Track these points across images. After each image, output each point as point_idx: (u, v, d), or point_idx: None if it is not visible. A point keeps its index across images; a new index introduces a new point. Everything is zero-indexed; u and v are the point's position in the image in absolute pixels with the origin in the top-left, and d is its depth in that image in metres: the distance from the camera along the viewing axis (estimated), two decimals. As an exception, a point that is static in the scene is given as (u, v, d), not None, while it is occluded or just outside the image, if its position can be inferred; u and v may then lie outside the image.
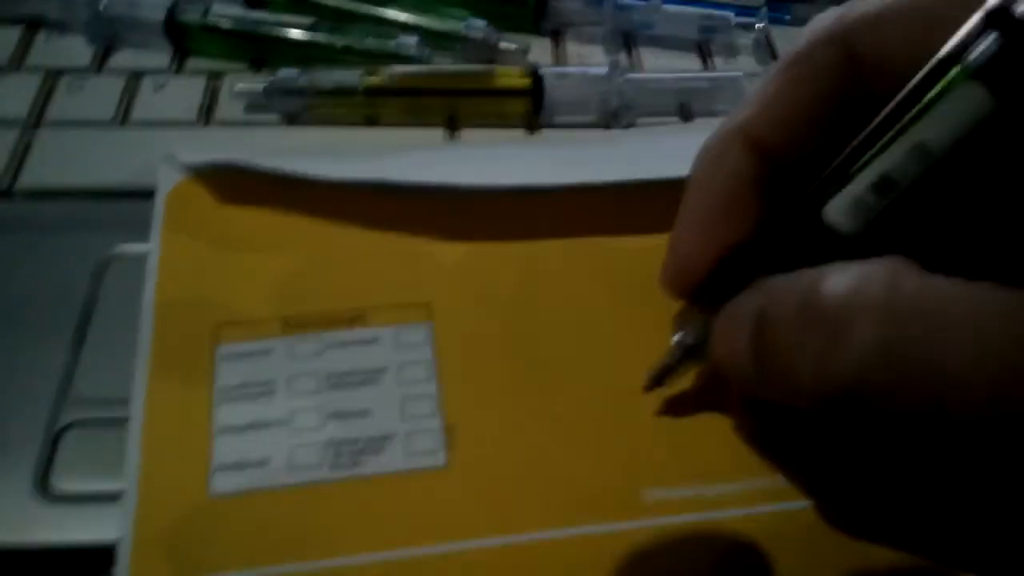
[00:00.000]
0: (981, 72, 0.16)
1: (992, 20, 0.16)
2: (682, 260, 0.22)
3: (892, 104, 0.18)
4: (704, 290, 0.22)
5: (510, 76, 0.34)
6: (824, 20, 0.19)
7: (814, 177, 0.19)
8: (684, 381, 0.25)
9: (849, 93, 0.19)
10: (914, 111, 0.17)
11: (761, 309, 0.19)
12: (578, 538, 0.23)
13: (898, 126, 0.17)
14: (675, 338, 0.24)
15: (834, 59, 0.19)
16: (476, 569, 0.23)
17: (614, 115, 0.34)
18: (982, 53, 0.16)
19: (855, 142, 0.18)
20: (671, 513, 0.24)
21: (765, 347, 0.18)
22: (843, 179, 0.18)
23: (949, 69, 0.16)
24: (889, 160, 0.17)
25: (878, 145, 0.18)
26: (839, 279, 0.17)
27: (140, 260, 0.28)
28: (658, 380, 0.24)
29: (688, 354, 0.23)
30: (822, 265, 0.18)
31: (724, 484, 0.24)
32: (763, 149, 0.20)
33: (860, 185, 0.18)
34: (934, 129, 0.17)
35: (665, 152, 0.31)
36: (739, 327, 0.19)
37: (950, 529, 0.21)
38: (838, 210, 0.18)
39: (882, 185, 0.18)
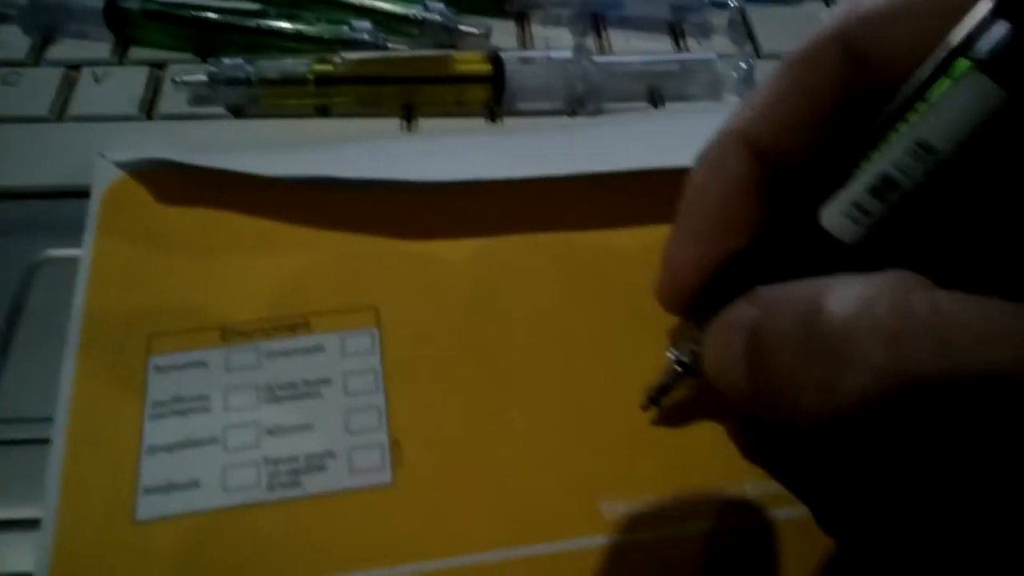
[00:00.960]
0: (989, 64, 0.15)
1: (1002, 9, 0.15)
2: (677, 273, 0.21)
3: (894, 101, 0.16)
4: (701, 303, 0.21)
5: (469, 61, 0.32)
6: (828, 18, 0.18)
7: (815, 181, 0.18)
8: (680, 397, 0.23)
9: (854, 94, 0.18)
10: (916, 107, 0.16)
11: (755, 323, 0.18)
12: (534, 558, 0.22)
13: (899, 123, 0.16)
14: (670, 355, 0.22)
15: (838, 58, 0.18)
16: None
17: (580, 101, 0.33)
18: (991, 44, 0.15)
19: (854, 142, 0.17)
20: (632, 528, 0.22)
21: (761, 365, 0.18)
22: (841, 181, 0.17)
23: (954, 61, 0.15)
24: (889, 159, 0.16)
25: (878, 144, 0.17)
26: (843, 296, 0.16)
27: (72, 264, 0.26)
28: (654, 400, 0.23)
29: (685, 372, 0.22)
30: (822, 276, 0.17)
31: (685, 496, 0.23)
32: (764, 153, 0.19)
33: (858, 187, 0.17)
34: (937, 125, 0.16)
35: (628, 141, 0.29)
36: (732, 341, 0.18)
37: (943, 541, 0.20)
38: (836, 214, 0.17)
39: (882, 187, 0.16)
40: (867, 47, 0.17)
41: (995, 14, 0.15)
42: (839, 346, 0.15)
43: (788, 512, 0.22)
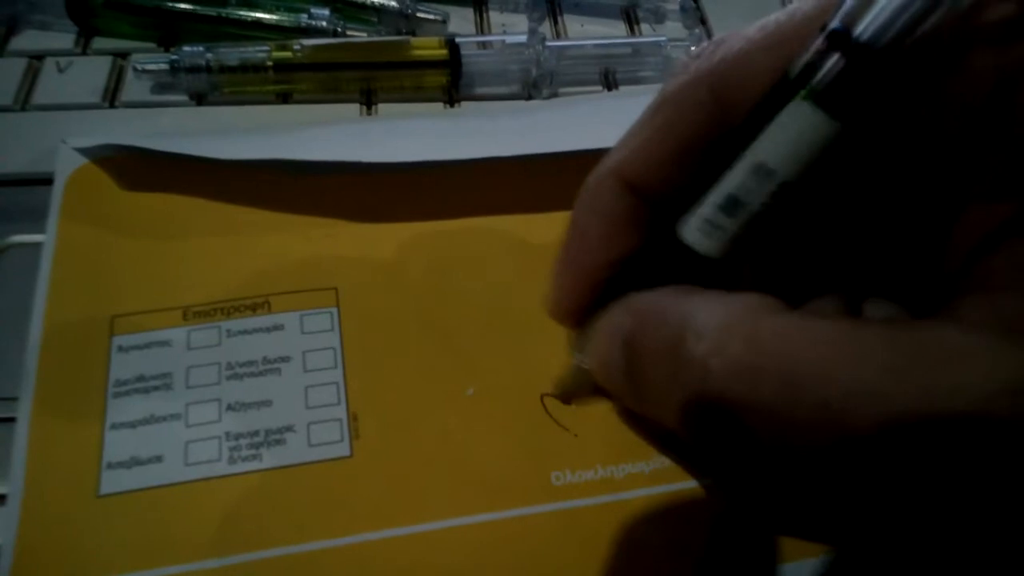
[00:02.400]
0: (818, 93, 0.16)
1: (833, 42, 0.16)
2: (563, 295, 0.22)
3: (744, 129, 0.17)
4: (590, 313, 0.22)
5: (426, 47, 0.33)
6: (691, 62, 0.20)
7: (681, 204, 0.19)
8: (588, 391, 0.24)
9: (721, 128, 0.19)
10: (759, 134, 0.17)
11: (630, 334, 0.19)
12: (487, 523, 0.23)
13: (745, 149, 0.17)
14: (573, 361, 0.24)
15: (700, 99, 0.19)
16: (383, 560, 0.22)
17: (535, 85, 0.34)
18: (825, 75, 0.16)
19: (712, 167, 0.18)
20: (580, 496, 0.23)
21: (637, 375, 0.19)
22: (694, 199, 0.18)
23: (795, 91, 0.16)
24: (733, 180, 0.17)
25: (729, 167, 0.18)
26: (703, 324, 0.17)
27: (37, 250, 0.27)
28: (565, 400, 0.25)
29: (586, 374, 0.23)
30: (688, 288, 0.18)
31: (631, 465, 0.24)
32: (637, 187, 0.20)
33: (709, 206, 0.18)
34: (772, 149, 0.17)
35: (580, 122, 0.30)
36: (611, 348, 0.20)
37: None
38: (693, 230, 0.18)
39: (729, 204, 0.18)
40: (731, 86, 0.18)
41: (827, 46, 0.16)
42: (699, 376, 0.16)
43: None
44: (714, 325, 0.17)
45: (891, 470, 0.15)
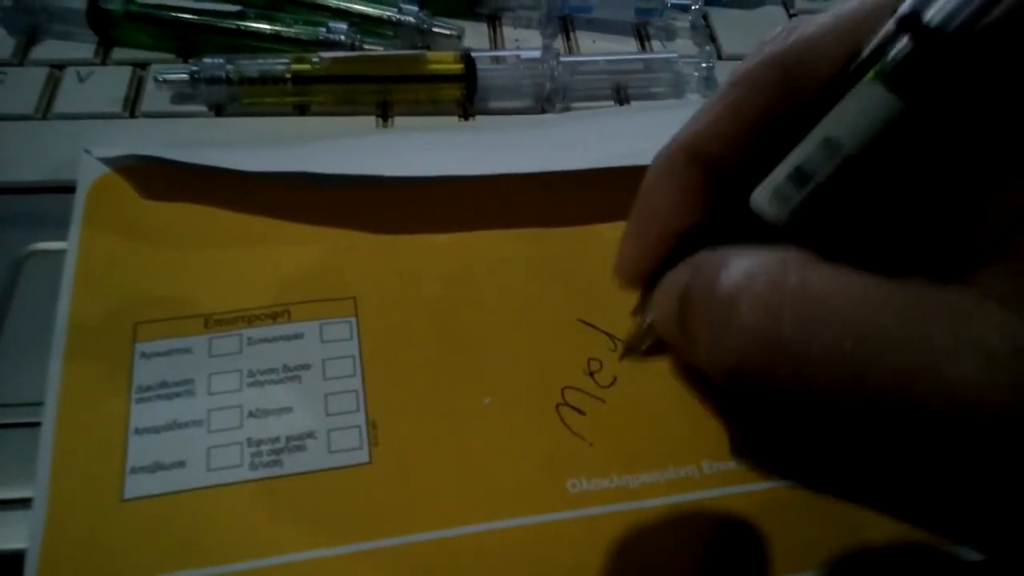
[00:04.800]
0: (885, 74, 0.17)
1: (903, 25, 0.16)
2: (631, 261, 0.23)
3: (816, 107, 0.18)
4: (655, 278, 0.23)
5: (442, 61, 0.33)
6: (766, 43, 0.20)
7: (752, 176, 0.20)
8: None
9: (786, 108, 0.20)
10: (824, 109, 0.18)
11: (685, 286, 0.20)
12: (503, 531, 0.23)
13: (816, 125, 0.18)
14: (639, 318, 0.25)
15: (772, 79, 0.20)
16: (401, 566, 0.22)
17: (548, 99, 0.34)
18: (894, 57, 0.16)
19: (784, 141, 0.19)
20: (596, 504, 0.24)
21: (684, 322, 0.20)
22: (766, 170, 0.19)
23: (865, 71, 0.17)
24: (802, 152, 0.18)
25: (800, 141, 0.19)
26: (735, 268, 0.18)
27: (59, 257, 0.27)
28: (630, 353, 0.26)
29: (650, 331, 0.24)
30: (741, 246, 0.19)
31: (646, 474, 0.24)
32: (706, 161, 0.21)
33: (779, 175, 0.19)
34: (840, 124, 0.17)
35: (593, 136, 0.30)
36: (670, 298, 0.21)
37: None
38: (762, 198, 0.19)
39: (797, 176, 0.18)
40: (802, 68, 0.19)
41: (897, 30, 0.16)
42: (725, 311, 0.18)
43: (741, 488, 0.24)
44: (744, 268, 0.18)
45: (898, 418, 0.15)
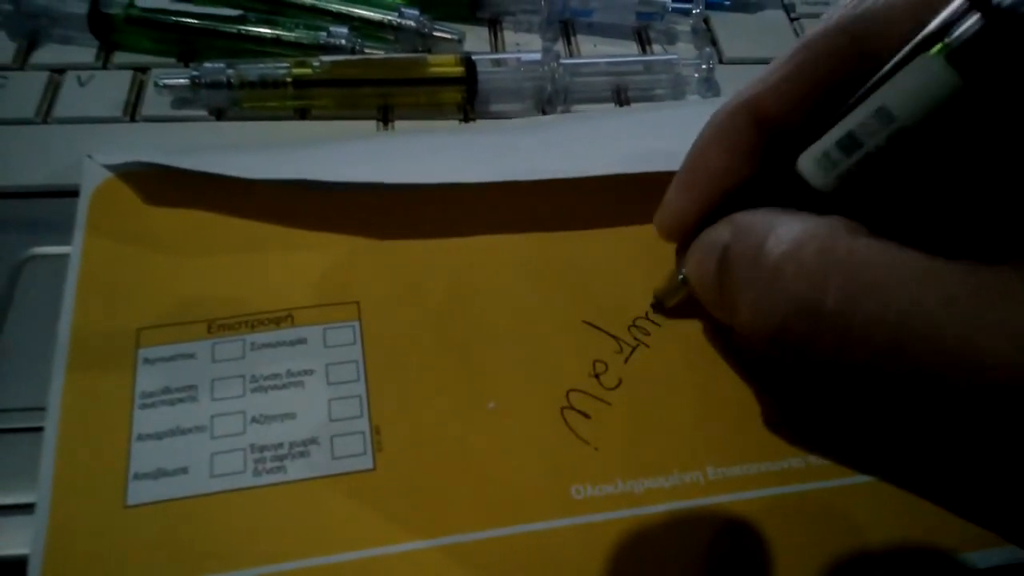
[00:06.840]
0: (950, 50, 0.17)
1: (975, 3, 0.16)
2: (675, 216, 0.24)
3: (874, 77, 0.18)
4: (696, 233, 0.23)
5: (443, 64, 0.33)
6: (837, 10, 0.21)
7: (802, 139, 0.20)
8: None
9: (850, 75, 0.20)
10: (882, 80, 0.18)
11: (725, 246, 0.20)
12: (508, 537, 0.23)
13: (872, 94, 0.18)
14: (678, 271, 0.25)
15: (839, 45, 0.20)
16: (405, 572, 0.22)
17: (549, 102, 0.34)
18: (962, 33, 0.17)
19: (838, 108, 0.19)
20: (600, 510, 0.23)
21: (725, 282, 0.20)
22: (818, 136, 0.20)
23: (930, 46, 0.17)
24: (855, 119, 0.19)
25: (853, 108, 0.19)
26: (784, 233, 0.18)
27: (59, 262, 0.27)
28: (659, 307, 0.27)
29: (684, 282, 0.25)
30: (782, 212, 0.19)
31: (650, 480, 0.24)
32: (764, 121, 0.21)
33: (828, 140, 0.19)
34: (896, 96, 0.18)
35: (594, 139, 0.30)
36: (709, 256, 0.21)
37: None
38: (809, 162, 0.20)
39: (848, 142, 0.19)
40: (868, 39, 0.20)
41: (968, 7, 0.17)
42: (773, 276, 0.18)
43: (745, 494, 0.24)
44: (793, 235, 0.18)
45: (934, 393, 0.16)
